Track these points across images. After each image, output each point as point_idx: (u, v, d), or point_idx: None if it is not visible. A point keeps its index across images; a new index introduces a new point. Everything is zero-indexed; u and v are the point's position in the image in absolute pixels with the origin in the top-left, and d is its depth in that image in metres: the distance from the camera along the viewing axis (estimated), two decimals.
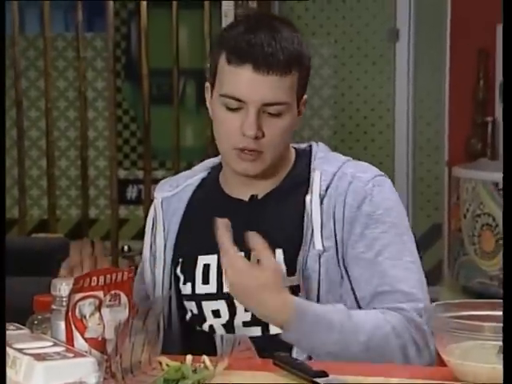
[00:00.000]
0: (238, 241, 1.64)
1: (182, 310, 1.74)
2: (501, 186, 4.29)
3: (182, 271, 1.74)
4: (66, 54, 5.51)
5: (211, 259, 1.70)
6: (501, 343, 1.32)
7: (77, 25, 4.24)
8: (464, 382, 1.36)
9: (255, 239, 1.56)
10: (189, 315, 1.74)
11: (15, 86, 4.25)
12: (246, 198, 1.74)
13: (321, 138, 5.33)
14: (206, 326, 1.71)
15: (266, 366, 1.45)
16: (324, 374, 1.37)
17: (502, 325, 1.31)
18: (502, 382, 1.27)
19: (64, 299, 1.32)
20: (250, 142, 1.63)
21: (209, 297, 1.70)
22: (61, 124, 5.52)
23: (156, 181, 2.30)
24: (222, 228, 1.56)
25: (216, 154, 1.80)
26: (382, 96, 5.44)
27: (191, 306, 1.73)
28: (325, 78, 5.49)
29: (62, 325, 1.31)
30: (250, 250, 1.63)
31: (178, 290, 1.74)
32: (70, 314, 1.30)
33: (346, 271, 1.67)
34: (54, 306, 1.35)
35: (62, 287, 1.33)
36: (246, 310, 1.66)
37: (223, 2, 3.87)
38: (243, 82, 1.61)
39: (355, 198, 1.67)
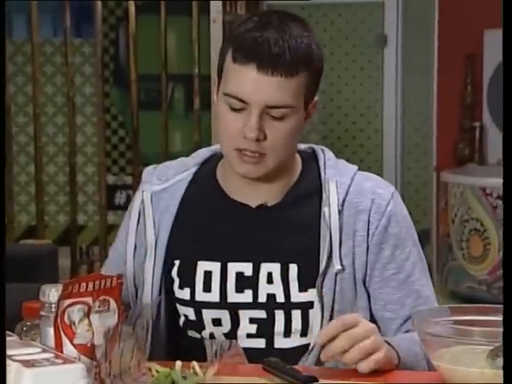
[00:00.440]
0: (244, 249, 1.63)
1: (173, 313, 1.68)
2: (489, 190, 4.31)
3: (178, 274, 1.67)
4: (54, 59, 5.51)
5: (213, 266, 1.64)
6: (490, 347, 1.32)
7: (65, 30, 4.23)
8: None
9: (346, 318, 1.45)
10: (182, 319, 1.68)
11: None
12: (253, 204, 1.66)
13: (309, 142, 5.32)
14: (206, 334, 1.66)
15: (255, 371, 1.45)
16: (314, 379, 1.36)
17: (491, 329, 1.32)
18: None
19: (53, 305, 1.32)
20: (251, 144, 1.57)
21: (210, 305, 1.64)
22: (49, 130, 5.51)
23: None
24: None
25: None
26: (370, 101, 5.46)
27: (188, 311, 1.66)
28: None
29: (51, 331, 1.31)
30: (256, 261, 1.61)
31: (169, 292, 1.67)
32: (58, 320, 1.29)
33: (367, 291, 1.64)
34: (42, 313, 1.34)
35: (51, 293, 1.33)
36: (251, 322, 1.62)
37: (211, 8, 3.88)
38: (247, 81, 1.55)
39: (381, 218, 1.63)
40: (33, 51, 4.20)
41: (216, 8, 3.88)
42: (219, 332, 1.65)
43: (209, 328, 1.65)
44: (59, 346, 1.30)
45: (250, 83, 1.55)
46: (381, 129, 5.44)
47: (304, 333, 1.63)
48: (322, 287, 1.61)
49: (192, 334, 1.68)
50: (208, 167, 1.73)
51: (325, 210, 1.62)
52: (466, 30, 4.92)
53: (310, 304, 1.62)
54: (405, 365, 1.51)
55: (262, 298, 1.63)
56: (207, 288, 1.64)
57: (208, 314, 1.65)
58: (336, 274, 1.61)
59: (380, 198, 1.65)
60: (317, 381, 1.36)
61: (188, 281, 1.65)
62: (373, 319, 1.64)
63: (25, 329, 1.45)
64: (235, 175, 1.64)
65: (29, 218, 5.40)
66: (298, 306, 1.62)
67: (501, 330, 1.29)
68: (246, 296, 1.63)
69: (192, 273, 1.65)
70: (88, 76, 5.50)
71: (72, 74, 4.34)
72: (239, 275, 1.63)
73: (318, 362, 1.59)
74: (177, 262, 1.67)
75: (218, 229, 1.67)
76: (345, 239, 1.62)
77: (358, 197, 1.64)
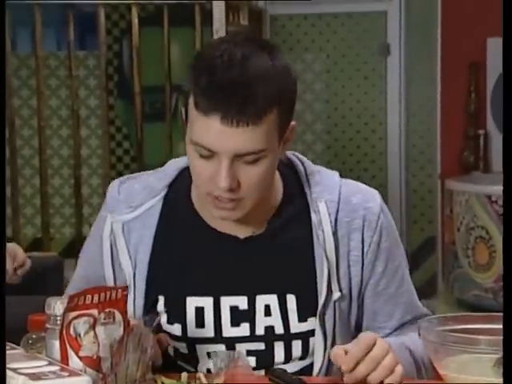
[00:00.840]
0: (237, 283, 1.58)
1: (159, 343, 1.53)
2: (494, 198, 4.30)
3: (166, 310, 1.59)
4: (58, 72, 5.52)
5: (205, 302, 1.58)
6: (497, 356, 1.31)
7: (69, 43, 4.24)
8: None
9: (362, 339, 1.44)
10: (171, 349, 1.59)
11: (7, 105, 4.24)
12: (240, 236, 1.59)
13: (314, 152, 5.34)
14: (200, 368, 1.58)
15: (261, 381, 1.45)
16: None
17: (498, 338, 1.31)
18: None
19: (58, 318, 1.32)
20: (222, 192, 1.47)
21: (204, 340, 1.59)
22: (54, 142, 5.51)
23: None
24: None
25: None
26: (374, 110, 5.45)
27: (179, 345, 1.59)
28: (317, 93, 5.50)
29: (57, 344, 1.30)
30: (251, 293, 1.57)
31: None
32: (64, 332, 1.29)
33: (357, 304, 1.63)
34: (48, 325, 1.34)
35: (57, 306, 1.33)
36: (248, 354, 1.57)
37: (214, 19, 3.88)
38: (212, 132, 1.43)
39: (373, 235, 1.60)
40: (37, 65, 4.21)
41: (219, 19, 3.89)
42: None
43: (203, 361, 1.59)
44: (65, 358, 1.30)
45: (215, 134, 1.44)
46: (385, 137, 5.43)
47: (303, 357, 1.61)
48: (323, 317, 1.58)
49: (183, 365, 1.61)
50: (179, 191, 1.63)
51: (318, 233, 1.57)
52: (469, 38, 4.92)
53: (311, 332, 1.59)
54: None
55: (260, 331, 1.58)
56: (200, 324, 1.58)
57: (202, 349, 1.59)
58: (335, 302, 1.58)
59: (370, 213, 1.60)
60: None
61: (178, 316, 1.59)
62: (358, 326, 1.65)
63: (30, 341, 1.45)
64: None
65: (34, 230, 5.41)
66: (298, 336, 1.59)
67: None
68: (243, 329, 1.58)
69: (181, 309, 1.59)
70: (92, 88, 5.51)
71: (76, 87, 4.35)
72: (234, 309, 1.58)
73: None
74: (161, 298, 1.60)
75: (205, 262, 1.60)
76: (340, 261, 1.58)
77: (348, 215, 1.59)
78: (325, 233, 1.57)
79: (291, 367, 1.60)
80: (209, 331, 1.58)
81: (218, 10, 3.89)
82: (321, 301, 1.57)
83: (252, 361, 1.58)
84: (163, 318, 1.59)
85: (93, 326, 1.31)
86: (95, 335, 1.31)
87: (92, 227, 1.72)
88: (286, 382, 1.42)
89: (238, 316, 1.58)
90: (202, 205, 1.59)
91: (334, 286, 1.57)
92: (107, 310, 1.32)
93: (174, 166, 1.66)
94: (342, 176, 1.68)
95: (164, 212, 1.61)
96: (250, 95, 1.42)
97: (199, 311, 1.58)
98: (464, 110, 5.02)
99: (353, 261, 1.60)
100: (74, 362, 1.30)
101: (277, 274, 1.58)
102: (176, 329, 1.58)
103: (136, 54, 4.18)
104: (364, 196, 1.62)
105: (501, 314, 1.42)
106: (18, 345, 1.42)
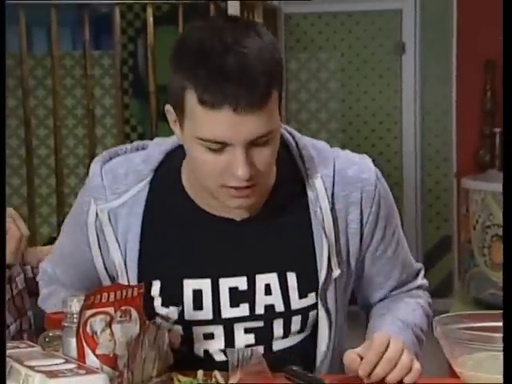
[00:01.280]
0: (236, 264, 1.57)
1: None
2: None
3: (160, 294, 1.57)
4: (73, 72, 5.53)
5: (202, 284, 1.57)
6: None
7: (84, 43, 4.25)
8: None
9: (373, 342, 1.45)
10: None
11: (23, 105, 4.26)
12: (237, 218, 1.57)
13: None
14: (197, 349, 1.59)
15: (277, 379, 1.45)
16: None
17: None
18: None
19: (75, 316, 1.32)
20: (239, 181, 1.45)
21: (202, 322, 1.58)
22: (69, 142, 5.53)
23: None
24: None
25: None
26: (389, 109, 5.44)
27: (175, 328, 1.56)
28: (332, 92, 5.50)
29: (74, 341, 1.31)
30: (250, 273, 1.57)
31: (148, 309, 1.49)
32: (81, 330, 1.30)
33: (357, 276, 1.66)
34: (65, 323, 1.34)
35: (73, 304, 1.33)
36: (246, 332, 1.58)
37: None
38: (223, 125, 1.40)
39: (372, 206, 1.59)
40: (53, 64, 4.22)
41: None
42: (212, 346, 1.59)
43: (198, 343, 1.59)
44: (82, 356, 1.30)
45: (227, 126, 1.40)
46: (400, 136, 5.42)
47: (301, 330, 1.62)
48: (325, 293, 1.59)
49: (183, 349, 1.58)
50: (166, 175, 1.59)
51: (316, 210, 1.56)
52: (485, 36, 4.90)
53: (311, 307, 1.60)
54: None
55: (260, 310, 1.58)
56: (198, 306, 1.57)
57: (199, 330, 1.58)
58: (333, 278, 1.59)
59: (367, 184, 1.59)
60: None
61: (174, 300, 1.57)
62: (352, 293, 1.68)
63: (47, 339, 1.45)
64: (210, 196, 1.53)
65: (50, 229, 5.43)
66: (298, 312, 1.60)
67: None
68: (242, 310, 1.58)
69: (178, 293, 1.57)
70: (107, 88, 5.52)
71: (92, 86, 4.36)
72: (233, 290, 1.57)
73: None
74: (156, 283, 1.58)
75: (201, 245, 1.58)
76: (339, 236, 1.58)
77: (345, 189, 1.58)
78: (322, 209, 1.57)
79: (290, 341, 1.61)
80: (207, 313, 1.57)
81: (233, 9, 3.89)
82: (321, 278, 1.57)
83: (251, 338, 1.58)
84: (157, 302, 1.57)
85: (109, 324, 1.31)
86: (111, 333, 1.31)
87: (73, 208, 1.68)
88: (302, 380, 1.42)
89: (237, 297, 1.57)
90: (197, 190, 1.56)
91: (334, 262, 1.57)
92: (123, 308, 1.32)
93: (158, 149, 1.62)
94: None
95: (151, 198, 1.58)
96: (253, 80, 1.39)
97: (197, 294, 1.57)
98: (480, 109, 5.00)
99: (351, 233, 1.60)
100: (91, 359, 1.30)
101: (276, 252, 1.58)
102: (172, 312, 1.56)
103: (151, 53, 4.18)
104: (359, 167, 1.61)
105: None
106: (36, 343, 1.43)
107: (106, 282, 1.64)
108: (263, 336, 1.60)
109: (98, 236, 1.61)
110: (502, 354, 1.32)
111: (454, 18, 5.07)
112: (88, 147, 4.50)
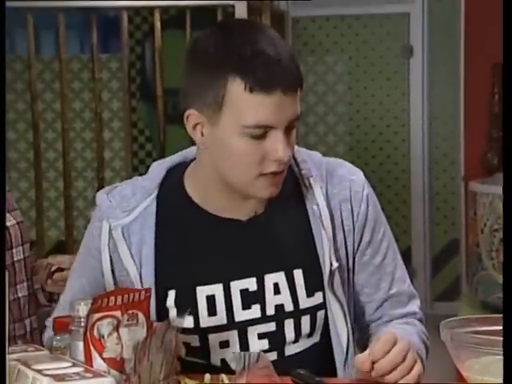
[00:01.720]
0: (244, 265, 1.60)
1: None
2: None
3: (175, 304, 1.59)
4: (81, 75, 5.55)
5: (215, 290, 1.59)
6: None
7: (92, 46, 4.26)
8: None
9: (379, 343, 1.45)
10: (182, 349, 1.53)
11: (32, 109, 4.27)
12: (242, 218, 1.62)
13: (336, 154, 5.33)
14: (214, 360, 1.60)
15: (284, 383, 1.45)
16: None
17: None
18: None
19: (82, 320, 1.32)
20: (279, 165, 1.52)
21: (217, 329, 1.60)
22: (77, 145, 5.54)
23: None
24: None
25: None
26: (397, 112, 5.44)
27: (191, 339, 1.59)
28: (340, 95, 5.50)
29: (81, 345, 1.31)
30: (259, 274, 1.59)
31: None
32: (88, 334, 1.30)
33: (352, 277, 1.68)
34: (72, 327, 1.35)
35: (81, 308, 1.34)
36: (260, 338, 1.60)
37: None
38: (272, 107, 1.48)
39: (360, 204, 1.65)
40: (61, 68, 4.23)
41: None
42: (228, 355, 1.60)
43: (215, 352, 1.60)
44: (89, 359, 1.30)
45: (276, 108, 1.48)
46: (408, 139, 5.42)
47: (311, 334, 1.64)
48: (332, 286, 1.61)
49: (194, 360, 1.60)
50: (170, 187, 1.64)
51: (314, 207, 1.62)
52: (493, 39, 4.89)
53: (318, 306, 1.62)
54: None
55: (271, 311, 1.61)
56: (212, 312, 1.59)
57: (215, 339, 1.60)
58: (334, 272, 1.61)
59: (355, 184, 1.66)
60: None
61: (188, 308, 1.56)
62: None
63: (55, 343, 1.46)
64: (224, 193, 1.58)
65: (58, 233, 5.44)
66: (306, 311, 1.62)
67: None
68: (254, 311, 1.60)
69: (192, 300, 1.59)
70: (115, 91, 5.53)
71: (99, 90, 4.37)
72: (244, 292, 1.60)
73: None
74: (171, 293, 1.60)
75: (210, 250, 1.61)
76: (336, 232, 1.63)
77: (336, 187, 1.65)
78: (319, 205, 1.62)
79: (300, 346, 1.63)
80: (221, 318, 1.59)
81: (241, 13, 3.89)
82: (326, 270, 1.60)
83: (264, 344, 1.61)
84: (173, 313, 1.59)
85: (116, 328, 1.32)
86: (119, 337, 1.32)
87: (83, 242, 1.71)
88: None
89: (248, 298, 1.60)
90: (203, 193, 1.61)
91: (333, 258, 1.61)
92: (130, 312, 1.33)
93: (159, 168, 1.68)
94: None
95: (160, 210, 1.63)
96: (292, 64, 1.49)
97: (210, 299, 1.59)
98: (487, 112, 4.99)
99: (347, 231, 1.64)
100: (98, 363, 1.30)
101: (282, 251, 1.61)
102: (188, 321, 1.58)
103: (158, 56, 4.19)
104: (348, 170, 1.68)
105: None
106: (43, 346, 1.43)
107: None
108: (276, 340, 1.62)
109: (110, 258, 1.63)
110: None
111: (461, 22, 5.07)
112: (96, 150, 4.50)
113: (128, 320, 1.33)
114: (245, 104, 1.48)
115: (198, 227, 1.62)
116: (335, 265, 1.61)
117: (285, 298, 1.61)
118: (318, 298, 1.62)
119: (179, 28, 4.36)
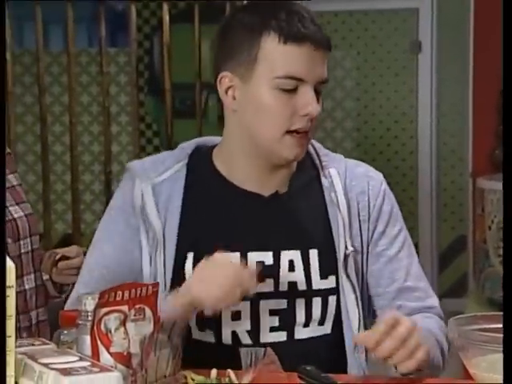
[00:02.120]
0: (263, 239, 1.64)
1: None
2: None
3: (193, 268, 1.60)
4: (89, 69, 5.55)
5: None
6: None
7: (100, 40, 4.26)
8: None
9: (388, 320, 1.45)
10: (193, 317, 1.59)
11: (39, 102, 4.28)
12: (265, 193, 1.67)
13: (343, 150, 5.33)
14: (227, 333, 1.62)
15: (291, 379, 1.45)
16: None
17: None
18: None
19: (89, 314, 1.32)
20: (305, 122, 1.59)
21: None
22: (85, 139, 5.55)
23: None
24: None
25: None
26: (405, 108, 5.43)
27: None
28: (347, 90, 5.49)
29: (88, 339, 1.31)
30: (276, 249, 1.63)
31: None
32: (95, 328, 1.30)
33: (365, 268, 1.70)
34: (79, 321, 1.35)
35: (88, 302, 1.34)
36: (271, 314, 1.63)
37: None
38: (304, 60, 1.57)
39: (377, 197, 1.70)
40: (69, 61, 4.24)
41: None
42: (239, 327, 1.62)
43: (226, 324, 1.62)
44: (96, 354, 1.30)
45: (307, 60, 1.57)
46: (416, 135, 5.41)
47: (322, 321, 1.66)
48: (347, 271, 1.64)
49: (199, 336, 1.63)
50: (198, 159, 1.71)
51: (332, 195, 1.67)
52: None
53: (330, 290, 1.65)
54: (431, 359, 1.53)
55: (284, 287, 1.63)
56: None
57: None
58: (348, 256, 1.65)
59: (373, 179, 1.72)
60: None
61: None
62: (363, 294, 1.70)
63: (62, 337, 1.46)
64: (250, 165, 1.65)
65: (65, 226, 5.45)
66: (318, 293, 1.65)
67: None
68: (268, 285, 1.62)
69: None
70: (123, 85, 5.54)
71: (107, 84, 4.38)
72: (259, 264, 1.61)
73: None
74: (190, 255, 1.63)
75: (232, 219, 1.66)
76: (352, 221, 1.68)
77: (354, 180, 1.70)
78: (337, 193, 1.68)
79: (310, 332, 1.64)
80: None
81: None
82: (341, 253, 1.64)
83: (275, 320, 1.63)
84: (189, 276, 1.59)
85: (123, 322, 1.32)
86: (126, 331, 1.32)
87: (111, 204, 1.72)
88: (315, 380, 1.42)
89: (263, 271, 1.60)
90: (229, 165, 1.67)
91: (349, 243, 1.66)
92: (137, 307, 1.33)
93: (188, 145, 1.73)
94: None
95: (189, 176, 1.69)
96: (320, 27, 1.61)
97: None
98: (496, 108, 4.98)
99: (362, 221, 1.69)
100: (105, 357, 1.30)
101: (300, 230, 1.66)
102: None
103: (167, 50, 4.19)
104: (366, 169, 1.75)
105: None
106: (50, 340, 1.43)
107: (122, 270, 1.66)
108: (286, 319, 1.64)
109: (141, 213, 1.65)
110: None
111: (470, 17, 5.05)
112: (103, 144, 4.51)
113: (135, 315, 1.33)
114: (277, 55, 1.57)
115: (223, 197, 1.67)
116: (350, 248, 1.65)
117: (298, 276, 1.64)
118: (331, 281, 1.65)
119: (188, 22, 4.36)
